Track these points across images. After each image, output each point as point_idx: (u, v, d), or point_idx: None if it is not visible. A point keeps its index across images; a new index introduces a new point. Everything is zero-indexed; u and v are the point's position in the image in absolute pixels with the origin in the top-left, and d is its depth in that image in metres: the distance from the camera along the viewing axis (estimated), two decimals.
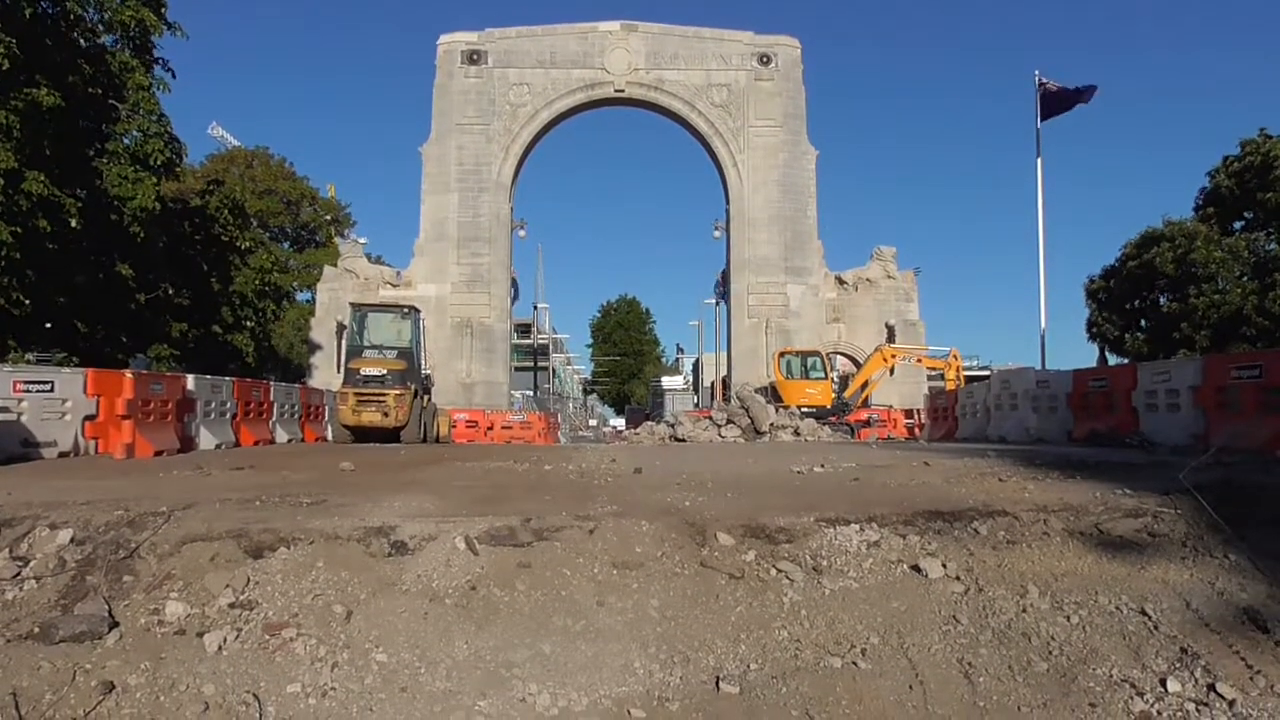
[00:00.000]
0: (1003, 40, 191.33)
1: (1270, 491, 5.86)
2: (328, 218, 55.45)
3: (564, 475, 8.42)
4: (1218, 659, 4.22)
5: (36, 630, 4.36)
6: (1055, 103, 26.92)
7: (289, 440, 16.85)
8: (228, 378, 15.66)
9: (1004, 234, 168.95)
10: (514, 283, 41.97)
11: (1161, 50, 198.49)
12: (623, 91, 38.71)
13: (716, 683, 4.25)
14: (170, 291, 26.12)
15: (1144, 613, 4.60)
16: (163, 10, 21.85)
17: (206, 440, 13.55)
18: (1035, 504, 5.87)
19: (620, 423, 66.21)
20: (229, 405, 14.71)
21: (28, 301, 20.56)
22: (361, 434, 16.76)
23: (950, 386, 29.36)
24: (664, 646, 4.48)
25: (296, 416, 17.89)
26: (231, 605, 4.62)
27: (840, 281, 39.33)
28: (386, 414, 16.75)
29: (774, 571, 5.06)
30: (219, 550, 5.06)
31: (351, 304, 21.11)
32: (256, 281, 30.85)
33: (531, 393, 61.71)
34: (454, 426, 24.81)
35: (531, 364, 68.46)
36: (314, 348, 37.84)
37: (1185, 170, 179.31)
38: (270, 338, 39.01)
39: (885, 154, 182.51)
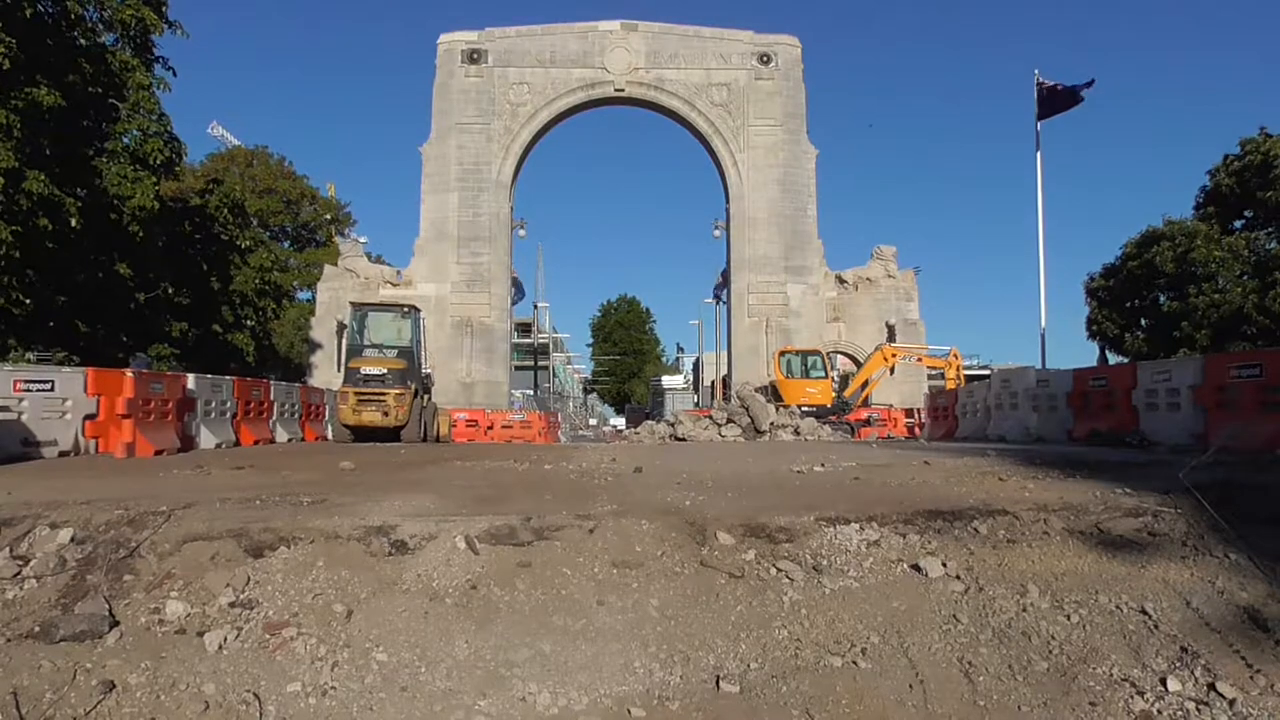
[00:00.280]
0: (1002, 39, 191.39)
1: (1270, 490, 5.87)
2: (328, 217, 55.41)
3: (564, 474, 8.42)
4: (1218, 658, 4.22)
5: (37, 629, 4.36)
6: (1054, 101, 26.93)
7: (289, 439, 16.85)
8: (228, 377, 15.66)
9: (1004, 234, 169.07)
10: (515, 282, 41.98)
11: (1161, 50, 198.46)
12: (623, 91, 38.72)
13: (717, 682, 4.25)
14: (170, 291, 26.12)
15: (1144, 612, 4.60)
16: (163, 9, 21.86)
17: (207, 439, 13.56)
18: (1035, 503, 5.87)
19: (620, 422, 66.19)
20: (229, 404, 14.71)
21: (28, 301, 20.56)
22: (362, 433, 16.77)
23: (950, 386, 29.35)
24: (664, 646, 4.48)
25: (297, 416, 17.89)
26: (232, 604, 4.63)
27: (840, 281, 39.34)
28: (387, 413, 16.76)
29: (774, 571, 5.06)
30: (219, 549, 5.07)
31: (352, 303, 21.11)
32: (256, 280, 30.87)
33: (531, 392, 61.74)
34: (454, 426, 24.82)
35: (531, 363, 68.47)
36: (314, 347, 37.85)
37: (1185, 170, 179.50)
38: (270, 337, 38.99)
39: (885, 154, 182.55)
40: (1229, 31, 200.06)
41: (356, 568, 4.96)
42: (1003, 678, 4.24)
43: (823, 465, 8.94)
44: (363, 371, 17.22)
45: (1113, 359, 37.64)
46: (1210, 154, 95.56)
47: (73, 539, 5.19)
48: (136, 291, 24.82)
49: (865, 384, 32.61)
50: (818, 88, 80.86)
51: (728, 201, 39.62)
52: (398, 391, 16.90)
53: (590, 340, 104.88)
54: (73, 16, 20.20)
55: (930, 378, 35.28)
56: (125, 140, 22.40)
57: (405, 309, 19.58)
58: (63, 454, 10.72)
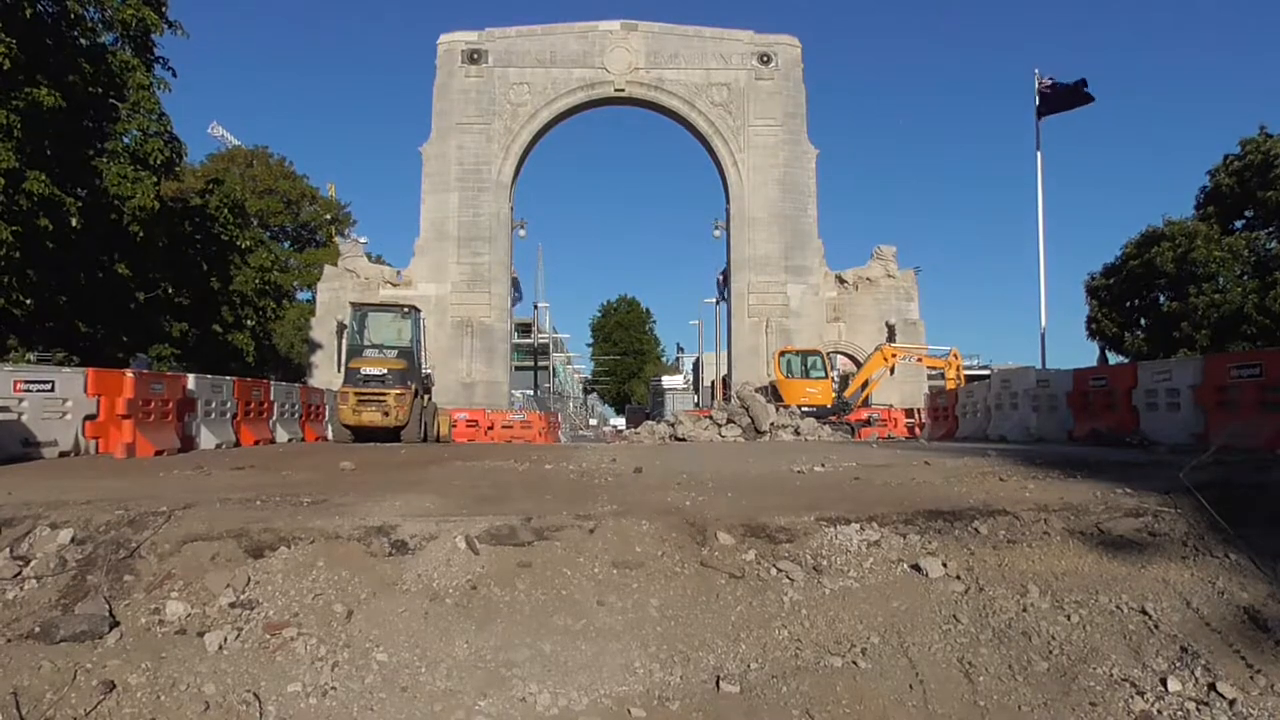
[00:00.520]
0: (1002, 39, 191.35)
1: (1270, 490, 5.86)
2: (328, 217, 55.41)
3: (564, 474, 8.42)
4: (1218, 658, 4.22)
5: (37, 630, 4.36)
6: (1058, 99, 26.92)
7: (289, 440, 16.85)
8: (228, 377, 15.66)
9: (1004, 234, 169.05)
10: (515, 282, 41.99)
11: (1161, 50, 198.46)
12: (623, 91, 38.72)
13: (717, 682, 4.25)
14: (170, 291, 26.12)
15: (1144, 612, 4.60)
16: (163, 9, 21.88)
17: (207, 440, 13.56)
18: (1036, 503, 5.87)
19: (620, 422, 66.19)
20: (229, 405, 14.71)
21: (29, 301, 20.57)
22: (362, 433, 16.77)
23: (950, 386, 29.35)
24: (664, 646, 4.48)
25: (297, 416, 17.89)
26: (232, 605, 4.63)
27: (840, 281, 39.34)
28: (387, 413, 16.76)
29: (774, 571, 5.06)
30: (219, 550, 5.07)
31: (352, 303, 21.12)
32: (256, 280, 30.86)
33: (532, 392, 61.74)
34: (454, 426, 24.83)
35: (532, 363, 68.47)
36: (314, 347, 37.86)
37: (1185, 170, 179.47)
38: (270, 337, 38.99)
39: (885, 153, 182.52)
40: (1229, 31, 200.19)
41: (357, 568, 4.96)
42: (1003, 678, 4.24)
43: (823, 465, 8.94)
44: (363, 372, 17.22)
45: (1113, 359, 37.64)
46: (1210, 154, 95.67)
47: (73, 539, 5.19)
48: (137, 291, 24.82)
49: (865, 384, 32.61)
50: (818, 88, 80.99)
51: (728, 201, 39.62)
52: (398, 392, 16.90)
53: (590, 340, 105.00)
54: (73, 16, 20.21)
55: (930, 378, 35.28)
56: (125, 140, 22.41)
57: (405, 309, 19.58)
58: (63, 454, 10.71)
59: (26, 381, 10.63)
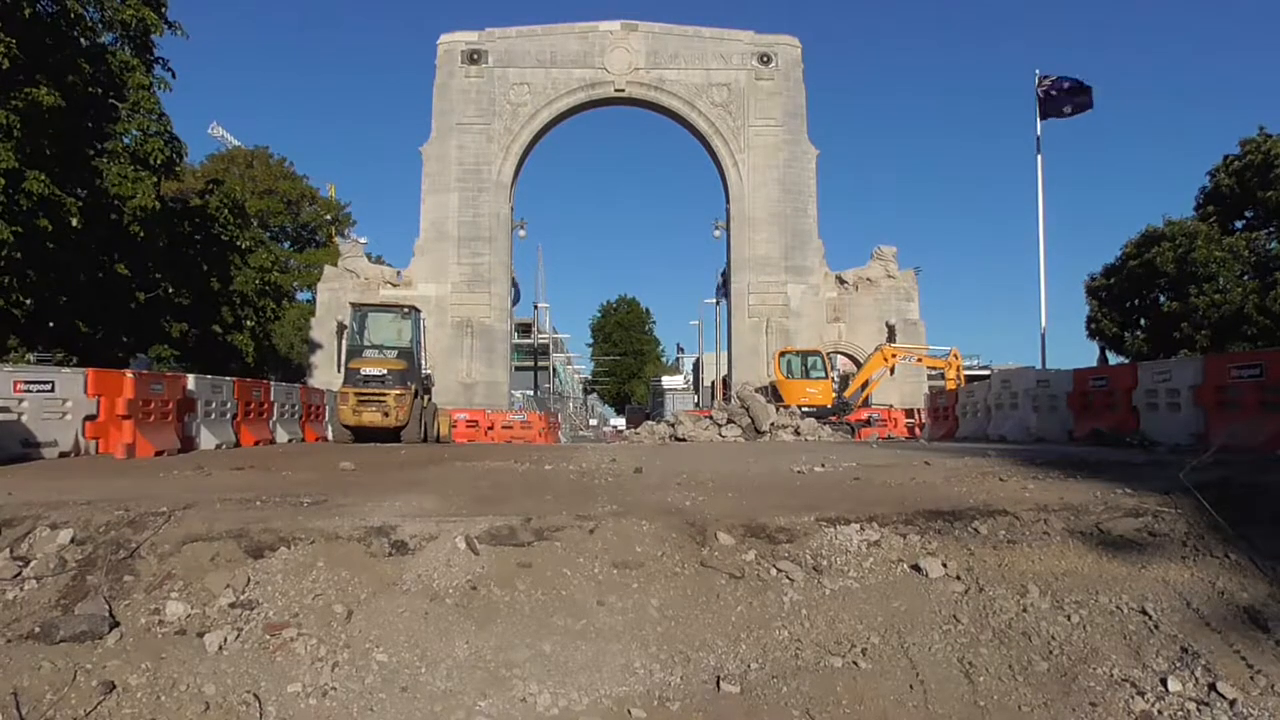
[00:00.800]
0: (1003, 39, 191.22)
1: (1270, 490, 5.86)
2: (328, 217, 55.45)
3: (564, 475, 8.42)
4: (1218, 658, 4.22)
5: (37, 630, 4.36)
6: (1054, 104, 26.93)
7: (289, 440, 16.85)
8: (228, 377, 15.67)
9: (1004, 234, 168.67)
10: (514, 283, 42.00)
11: (1161, 50, 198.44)
12: (623, 91, 38.73)
13: (717, 682, 4.25)
14: (170, 291, 26.11)
15: (1144, 612, 4.60)
16: (163, 9, 21.87)
17: (207, 440, 13.56)
18: (1036, 503, 5.87)
19: (620, 422, 66.21)
20: (229, 405, 14.71)
21: (28, 301, 20.57)
22: (362, 434, 16.77)
23: (950, 386, 29.36)
24: (664, 646, 4.48)
25: (297, 416, 17.89)
26: (232, 605, 4.63)
27: (840, 281, 39.34)
28: (387, 414, 16.76)
29: (774, 571, 5.06)
30: (219, 550, 5.07)
31: (352, 304, 21.12)
32: (256, 281, 30.86)
33: (532, 392, 61.71)
34: (454, 426, 24.83)
35: (532, 364, 68.43)
36: (314, 347, 37.87)
37: (1185, 170, 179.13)
38: (270, 337, 38.99)
39: (885, 153, 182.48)
40: (1229, 31, 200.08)
41: (357, 568, 4.96)
42: (1003, 678, 4.24)
43: (823, 465, 8.94)
44: (363, 372, 17.22)
45: (1113, 359, 37.66)
46: (1210, 154, 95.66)
47: (73, 540, 5.19)
48: (137, 292, 24.82)
49: (865, 384, 32.63)
50: (818, 88, 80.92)
51: (728, 201, 39.63)
52: (398, 392, 16.90)
53: (590, 341, 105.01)
54: (72, 16, 20.20)
55: (930, 378, 35.30)
56: (125, 140, 22.41)
57: (405, 309, 19.57)
58: (63, 455, 10.71)
59: (26, 382, 10.63)
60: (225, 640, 4.35)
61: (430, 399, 19.96)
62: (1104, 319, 38.80)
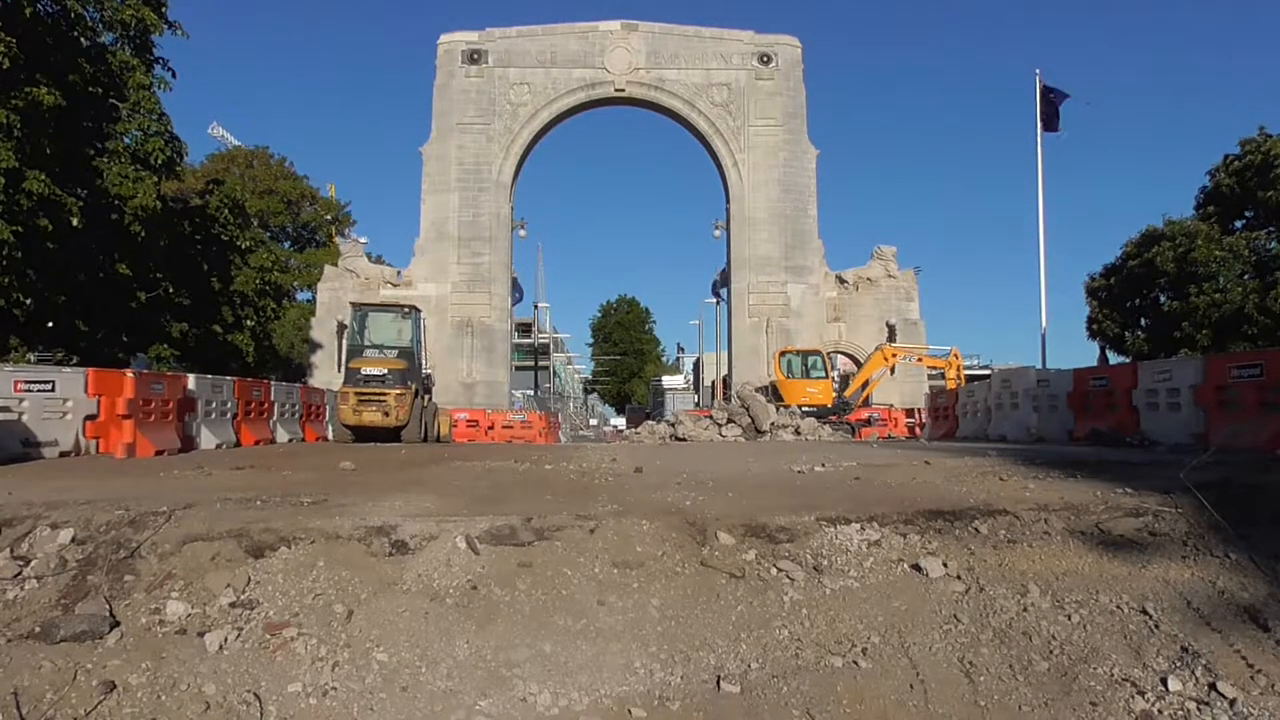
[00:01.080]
0: (1003, 39, 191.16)
1: (1271, 490, 5.86)
2: (328, 217, 55.41)
3: (564, 474, 8.42)
4: (1219, 658, 4.22)
5: (38, 629, 4.36)
6: (1051, 113, 27.25)
7: (290, 440, 16.85)
8: (228, 377, 15.67)
9: (1004, 234, 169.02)
10: (514, 283, 42.00)
11: (1162, 50, 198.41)
12: (623, 91, 38.72)
13: (717, 682, 4.25)
14: (170, 291, 26.12)
15: (1145, 612, 4.60)
16: (163, 9, 21.86)
17: (207, 440, 13.56)
18: (1036, 503, 5.87)
19: (621, 422, 66.24)
20: (229, 405, 14.72)
21: (29, 301, 20.57)
22: (362, 433, 16.77)
23: (951, 386, 29.35)
24: (665, 646, 4.48)
25: (297, 416, 17.90)
26: (232, 605, 4.62)
27: (841, 281, 39.34)
28: (387, 413, 16.76)
29: (775, 571, 5.06)
30: (220, 550, 5.06)
31: (352, 303, 21.12)
32: (257, 280, 30.88)
33: (532, 392, 61.75)
34: (454, 426, 24.83)
35: (532, 363, 68.45)
36: (314, 347, 37.87)
37: (1185, 170, 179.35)
38: (271, 337, 39.02)
39: (885, 153, 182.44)
40: (1229, 31, 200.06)
41: (357, 568, 4.96)
42: (1003, 678, 4.24)
43: (823, 465, 8.94)
44: (363, 372, 17.22)
45: (1113, 359, 37.65)
46: (1210, 154, 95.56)
47: (73, 539, 5.19)
48: (137, 291, 24.82)
49: (866, 384, 32.63)
50: (818, 88, 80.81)
51: (728, 201, 39.62)
52: (398, 392, 16.90)
53: (590, 340, 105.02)
54: (73, 16, 20.20)
55: (931, 378, 35.30)
56: (126, 140, 22.41)
57: (405, 309, 19.58)
58: (63, 454, 10.72)
59: (27, 381, 10.64)
60: (225, 640, 4.35)
61: (430, 399, 19.97)
62: (1104, 319, 38.79)
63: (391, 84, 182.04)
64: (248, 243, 30.33)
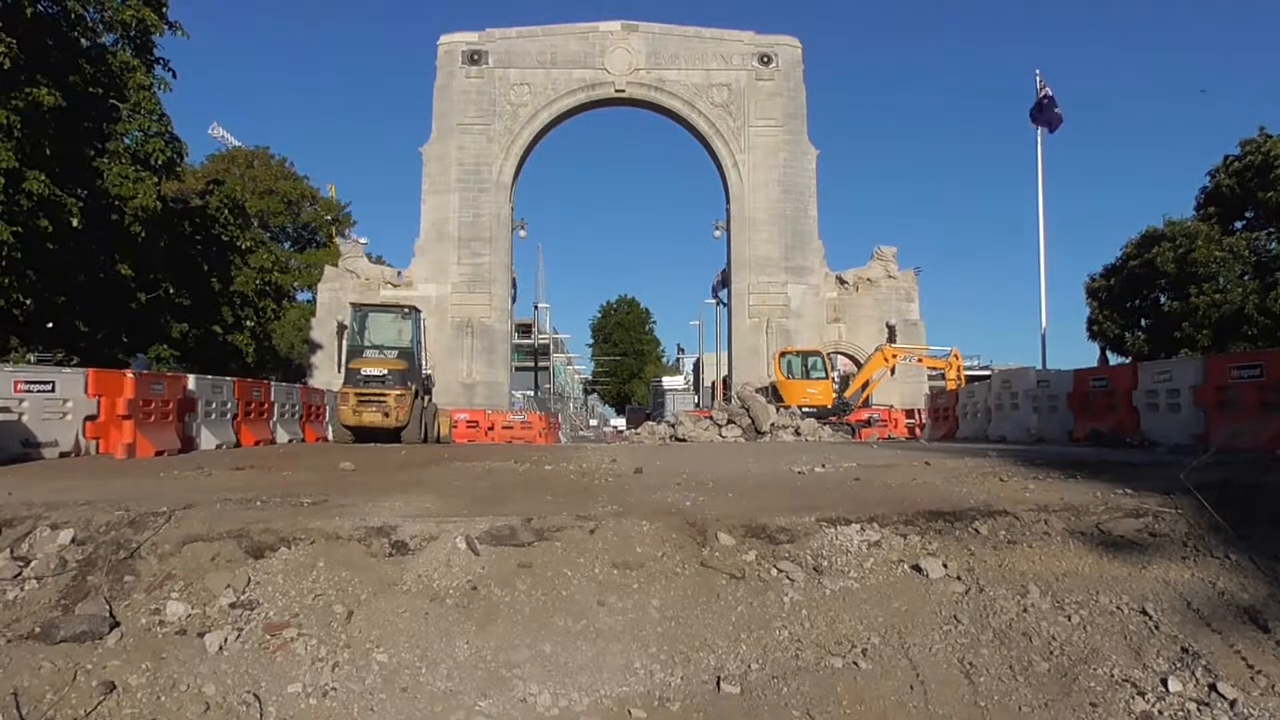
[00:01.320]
0: (1003, 39, 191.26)
1: (1271, 491, 5.86)
2: (328, 218, 55.40)
3: (564, 475, 8.42)
4: (1219, 659, 4.22)
5: (38, 630, 4.36)
6: (1044, 116, 27.39)
7: (289, 440, 16.85)
8: (228, 378, 15.67)
9: (1004, 234, 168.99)
10: (514, 283, 42.01)
11: (1162, 50, 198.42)
12: (623, 91, 38.72)
13: (717, 683, 4.25)
14: (171, 291, 26.12)
15: (1145, 612, 4.60)
16: (163, 10, 21.86)
17: (207, 440, 13.56)
18: (1036, 504, 5.87)
19: (621, 423, 66.20)
20: (229, 405, 14.72)
21: (29, 301, 20.56)
22: (362, 434, 16.77)
23: (951, 386, 29.35)
24: (665, 646, 4.48)
25: (297, 416, 17.89)
26: (232, 605, 4.62)
27: (841, 281, 39.33)
28: (387, 414, 16.76)
29: (775, 571, 5.06)
30: (220, 550, 5.06)
31: (352, 304, 21.12)
32: (257, 281, 30.87)
33: (532, 393, 61.77)
34: (454, 426, 24.82)
35: (532, 364, 68.47)
36: (315, 348, 37.86)
37: (1185, 170, 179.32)
38: (271, 337, 39.01)
39: (885, 153, 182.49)
40: (1229, 31, 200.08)
41: (357, 568, 4.95)
42: (1003, 678, 4.24)
43: (823, 466, 8.94)
44: (363, 372, 17.22)
45: (1113, 359, 37.64)
46: (1210, 154, 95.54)
47: (73, 540, 5.19)
48: (137, 292, 24.83)
49: (866, 385, 32.62)
50: (818, 88, 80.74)
51: (728, 202, 39.62)
52: (398, 392, 16.90)
53: (590, 341, 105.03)
54: (73, 17, 20.20)
55: (931, 378, 35.29)
56: (126, 141, 22.40)
57: (405, 310, 19.57)
58: (63, 455, 10.71)
59: (27, 382, 10.63)
60: (225, 640, 4.35)
61: (430, 399, 19.96)
62: (1104, 319, 38.78)
63: (391, 84, 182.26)
64: (248, 243, 30.32)
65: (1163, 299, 36.31)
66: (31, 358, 22.83)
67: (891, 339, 36.98)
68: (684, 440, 19.94)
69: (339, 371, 23.66)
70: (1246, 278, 33.38)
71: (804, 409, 27.08)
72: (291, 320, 44.99)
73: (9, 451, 9.83)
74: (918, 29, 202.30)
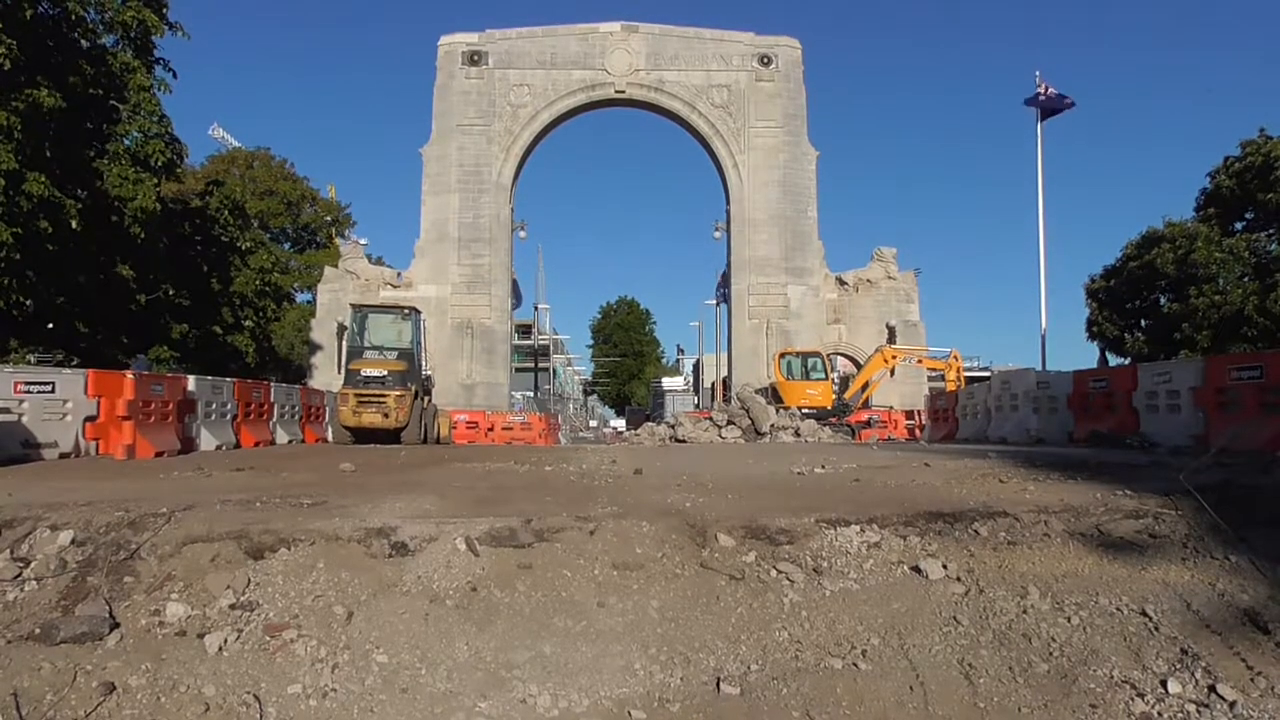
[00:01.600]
0: (1003, 40, 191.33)
1: (1271, 492, 5.86)
2: (328, 218, 55.42)
3: (564, 476, 8.42)
4: (1219, 660, 4.22)
5: (37, 631, 4.36)
6: (1046, 106, 27.41)
7: (289, 441, 16.85)
8: (228, 379, 15.67)
9: (1004, 234, 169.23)
10: (515, 284, 42.03)
11: (1162, 50, 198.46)
12: (623, 92, 38.75)
13: (717, 684, 4.25)
14: (171, 292, 26.14)
15: (1145, 614, 4.60)
16: (164, 11, 21.86)
17: (207, 441, 13.56)
18: (1036, 505, 5.87)
19: (621, 424, 66.23)
20: (229, 406, 14.72)
21: (29, 302, 20.57)
22: (362, 435, 16.77)
23: (951, 387, 29.36)
24: (664, 647, 4.48)
25: (297, 417, 17.89)
26: (232, 606, 4.62)
27: (841, 282, 39.35)
28: (387, 415, 16.76)
29: (774, 572, 5.06)
30: (220, 551, 5.06)
31: (352, 305, 21.11)
32: (257, 282, 30.89)
33: (532, 394, 61.78)
34: (454, 427, 24.83)
35: (532, 365, 68.48)
36: (314, 348, 37.87)
37: (1185, 171, 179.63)
38: (270, 338, 39.03)
39: (885, 153, 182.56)
40: (1229, 31, 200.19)
41: (357, 569, 4.95)
42: (1003, 680, 4.24)
43: (823, 467, 8.94)
44: (363, 373, 17.23)
45: (1113, 360, 37.64)
46: (1210, 155, 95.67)
47: (73, 541, 5.19)
48: (137, 293, 24.84)
49: (865, 386, 32.62)
50: (818, 88, 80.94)
51: (728, 203, 39.63)
52: (398, 393, 16.90)
53: (590, 342, 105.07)
54: (73, 18, 20.18)
55: (931, 379, 35.28)
56: (126, 142, 22.37)
57: (405, 311, 19.58)
58: (63, 455, 10.71)
59: (27, 383, 10.64)
60: (225, 641, 4.35)
61: (430, 400, 19.97)
62: (1104, 320, 38.79)
63: (391, 85, 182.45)
64: (248, 244, 30.36)
65: (1162, 300, 36.32)
66: (31, 358, 22.86)
67: (891, 340, 36.98)
68: (684, 441, 19.94)
69: (339, 372, 23.64)
70: (1246, 279, 33.39)
71: (804, 410, 27.10)
72: (291, 321, 45.00)
73: (9, 452, 9.83)
74: (917, 29, 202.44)
